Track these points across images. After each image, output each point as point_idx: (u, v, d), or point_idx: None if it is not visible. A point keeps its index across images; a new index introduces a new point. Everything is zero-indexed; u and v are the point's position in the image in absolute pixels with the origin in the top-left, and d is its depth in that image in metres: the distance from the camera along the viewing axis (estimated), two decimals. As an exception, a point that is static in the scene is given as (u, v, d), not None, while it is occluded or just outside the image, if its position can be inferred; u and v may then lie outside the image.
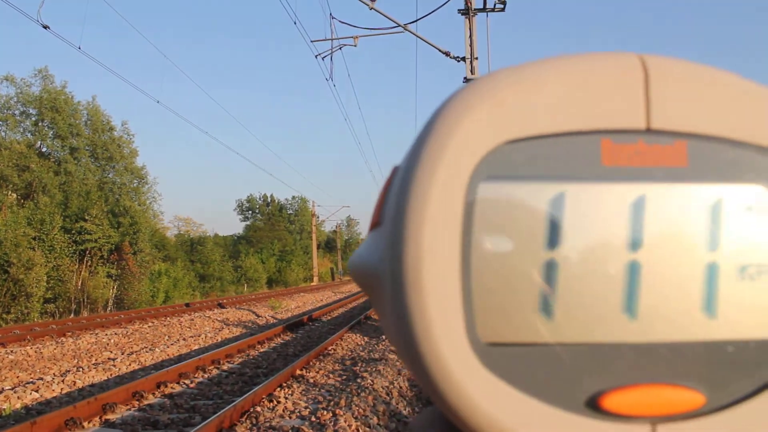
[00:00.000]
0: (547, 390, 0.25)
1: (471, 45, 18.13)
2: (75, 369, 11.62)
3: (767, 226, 0.26)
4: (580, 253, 0.25)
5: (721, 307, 0.26)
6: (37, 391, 9.81)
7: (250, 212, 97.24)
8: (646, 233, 0.26)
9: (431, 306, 0.24)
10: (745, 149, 0.26)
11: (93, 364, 12.20)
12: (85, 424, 7.75)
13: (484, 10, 18.09)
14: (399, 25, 18.19)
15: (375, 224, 0.29)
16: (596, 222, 0.26)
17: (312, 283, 65.27)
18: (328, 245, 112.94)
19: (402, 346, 0.26)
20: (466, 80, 18.00)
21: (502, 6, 17.96)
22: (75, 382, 10.51)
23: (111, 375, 11.39)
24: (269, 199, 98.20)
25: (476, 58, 18.14)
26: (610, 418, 0.25)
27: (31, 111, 38.48)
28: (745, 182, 0.26)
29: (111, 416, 8.16)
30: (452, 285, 0.24)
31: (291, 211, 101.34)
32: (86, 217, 30.72)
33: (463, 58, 18.23)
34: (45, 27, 17.51)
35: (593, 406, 0.25)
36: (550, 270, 0.25)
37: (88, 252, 30.77)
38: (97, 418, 8.05)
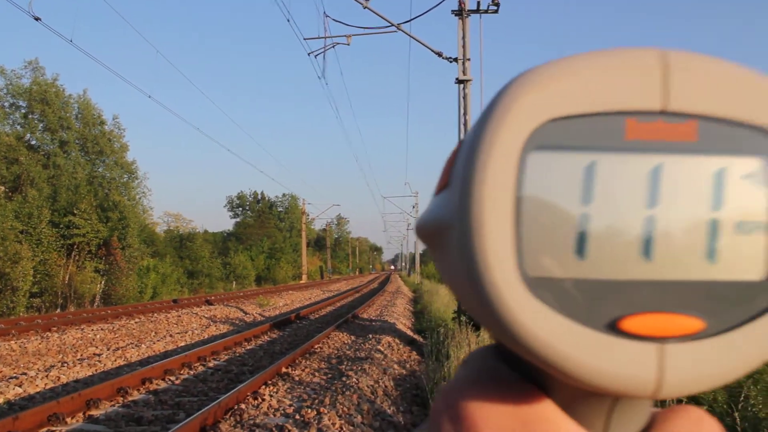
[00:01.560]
0: (578, 313, 0.31)
1: (464, 46, 18.12)
2: (59, 364, 11.57)
3: (761, 191, 0.33)
4: (608, 209, 0.32)
5: (721, 255, 0.32)
6: (20, 386, 9.76)
7: (240, 209, 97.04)
8: (662, 194, 0.32)
9: (490, 247, 0.31)
10: (745, 128, 0.33)
11: (78, 360, 12.15)
12: (68, 419, 7.72)
13: (477, 11, 18.08)
14: (392, 25, 18.18)
15: (443, 186, 0.36)
16: (622, 184, 0.32)
17: (301, 281, 65.20)
18: (318, 243, 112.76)
19: (465, 281, 0.32)
20: (458, 81, 18.02)
21: (495, 8, 17.96)
22: (59, 378, 10.47)
23: (96, 371, 11.35)
24: (259, 196, 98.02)
25: (468, 59, 18.14)
26: (627, 337, 0.31)
27: (20, 103, 38.27)
28: (745, 155, 0.33)
29: (94, 412, 8.14)
30: (507, 230, 0.31)
31: (281, 209, 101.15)
32: (75, 212, 30.55)
33: (456, 59, 18.22)
34: (36, 19, 17.40)
35: (613, 327, 0.31)
36: (583, 221, 0.32)
37: (76, 246, 30.63)
38: (80, 414, 8.02)
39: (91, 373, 11.09)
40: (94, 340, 14.73)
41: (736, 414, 6.38)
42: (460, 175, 0.33)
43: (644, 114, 0.33)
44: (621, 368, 0.32)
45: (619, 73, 0.33)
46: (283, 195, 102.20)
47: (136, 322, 18.02)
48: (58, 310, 26.25)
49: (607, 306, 0.32)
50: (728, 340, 0.32)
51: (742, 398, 7.31)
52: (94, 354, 12.94)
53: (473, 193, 0.32)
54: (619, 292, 0.32)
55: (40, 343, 13.68)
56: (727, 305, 0.33)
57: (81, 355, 12.83)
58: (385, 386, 9.73)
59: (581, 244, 0.32)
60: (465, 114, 17.83)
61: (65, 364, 11.53)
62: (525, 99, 0.33)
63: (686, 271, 0.32)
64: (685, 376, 0.32)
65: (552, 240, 0.32)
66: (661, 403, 0.55)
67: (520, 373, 0.36)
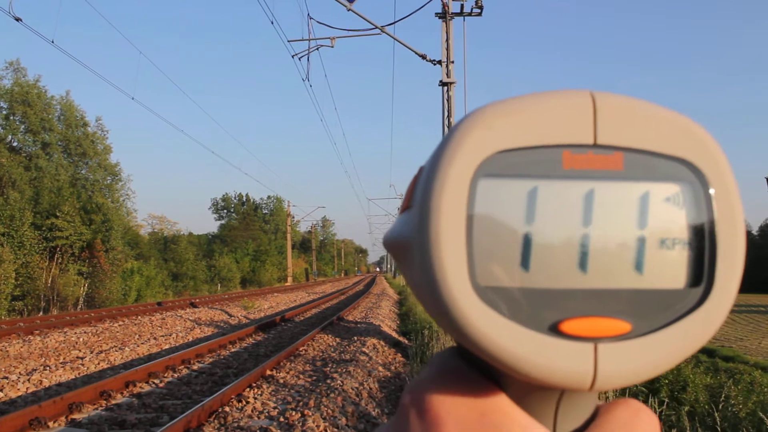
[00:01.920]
0: (523, 317, 0.36)
1: (447, 49, 18.19)
2: (42, 368, 11.47)
3: (680, 212, 0.38)
4: (548, 227, 0.37)
5: (647, 267, 0.37)
6: (1, 390, 9.68)
7: (225, 211, 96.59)
8: (594, 215, 0.37)
9: (446, 261, 0.36)
10: (664, 158, 0.38)
11: (60, 363, 12.05)
12: (50, 423, 7.66)
13: (461, 14, 18.17)
14: (376, 27, 18.20)
15: (406, 207, 0.41)
16: (560, 206, 0.37)
17: (286, 284, 64.97)
18: (303, 245, 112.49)
19: (425, 289, 0.37)
20: (442, 84, 18.07)
21: (479, 11, 18.05)
22: (41, 381, 10.38)
23: (79, 374, 11.26)
24: (244, 199, 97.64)
25: (452, 62, 18.21)
26: (565, 338, 0.36)
27: (1, 104, 37.88)
28: (664, 181, 0.38)
29: (77, 416, 8.08)
30: (460, 246, 0.36)
31: (266, 211, 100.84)
32: (57, 214, 30.30)
33: (440, 62, 18.29)
34: (17, 19, 17.25)
35: (554, 329, 0.36)
36: (527, 238, 0.37)
37: (58, 249, 30.37)
38: (63, 418, 7.96)
39: (73, 377, 11.01)
40: (77, 343, 14.62)
41: (717, 414, 6.45)
42: (419, 198, 0.38)
43: (578, 147, 0.38)
44: (561, 365, 0.36)
45: (556, 112, 0.38)
46: (268, 197, 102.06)
47: (119, 325, 17.90)
48: (41, 314, 26.02)
49: (548, 311, 0.36)
50: (652, 340, 0.37)
51: (722, 398, 7.39)
52: (77, 357, 12.85)
53: (431, 215, 0.36)
54: (558, 299, 0.37)
55: (21, 347, 13.56)
56: (652, 310, 0.37)
57: (64, 358, 12.73)
58: (370, 388, 9.74)
59: (525, 257, 0.37)
60: (449, 116, 17.89)
61: (47, 368, 11.44)
62: (475, 133, 0.37)
63: (617, 281, 0.37)
64: (615, 371, 0.36)
65: (500, 254, 0.37)
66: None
67: (478, 370, 0.41)
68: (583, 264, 0.37)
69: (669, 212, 0.38)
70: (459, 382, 0.40)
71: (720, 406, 6.79)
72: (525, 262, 0.37)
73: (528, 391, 0.39)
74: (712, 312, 0.38)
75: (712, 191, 0.38)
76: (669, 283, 0.37)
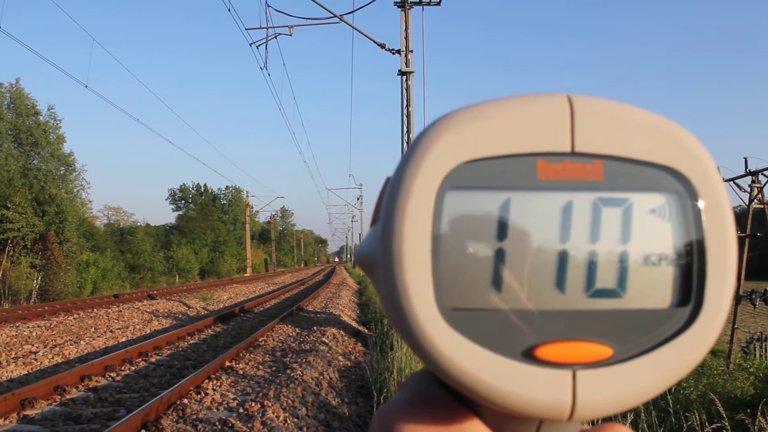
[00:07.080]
0: (494, 343, 0.34)
1: (406, 38, 18.18)
2: (-7, 363, 11.19)
3: (665, 225, 0.35)
4: (522, 244, 0.34)
5: (630, 285, 0.35)
6: (-49, 386, 9.41)
7: (183, 202, 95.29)
8: (573, 229, 0.35)
9: (409, 281, 0.34)
10: (647, 166, 0.35)
11: (12, 358, 11.77)
12: (1, 420, 7.48)
13: (420, 3, 18.16)
14: (335, 16, 18.09)
15: (373, 222, 0.38)
16: (535, 221, 0.35)
17: (245, 275, 64.50)
18: (263, 236, 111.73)
19: (390, 311, 0.34)
20: (401, 73, 18.07)
21: (438, 0, 18.07)
22: (-8, 377, 10.12)
23: (32, 369, 11.02)
24: (202, 189, 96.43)
25: (411, 51, 18.21)
26: (541, 364, 0.33)
27: (-53, 93, 36.63)
28: (648, 191, 0.35)
29: (30, 412, 7.90)
30: (425, 265, 0.34)
31: (225, 201, 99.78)
32: (8, 205, 29.49)
33: (399, 51, 18.27)
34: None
35: (528, 355, 0.33)
36: (499, 255, 0.34)
37: (10, 241, 29.58)
38: (14, 414, 7.78)
39: (26, 372, 10.75)
40: (29, 337, 14.28)
41: (669, 397, 6.62)
42: (383, 213, 0.36)
43: (554, 155, 0.35)
44: (537, 394, 0.33)
45: (529, 118, 0.35)
46: (227, 187, 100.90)
47: (74, 318, 17.53)
48: (-8, 308, 25.35)
49: (522, 335, 0.34)
50: (636, 365, 0.34)
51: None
52: (29, 352, 12.55)
53: (393, 231, 0.34)
54: (534, 321, 0.34)
55: (-28, 342, 13.19)
56: (635, 333, 0.34)
57: (15, 353, 12.42)
58: (330, 378, 9.74)
59: (497, 276, 0.34)
60: (408, 105, 17.92)
61: (-1, 363, 11.16)
62: (441, 143, 0.35)
63: (597, 301, 0.34)
64: (595, 400, 0.34)
65: (469, 273, 0.34)
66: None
67: (454, 395, 0.38)
68: (560, 283, 0.34)
69: (654, 225, 0.35)
70: (432, 408, 0.37)
71: (672, 389, 6.97)
72: (497, 282, 0.34)
73: (506, 418, 0.37)
74: (701, 334, 0.35)
75: (701, 202, 0.35)
76: (654, 303, 0.35)
